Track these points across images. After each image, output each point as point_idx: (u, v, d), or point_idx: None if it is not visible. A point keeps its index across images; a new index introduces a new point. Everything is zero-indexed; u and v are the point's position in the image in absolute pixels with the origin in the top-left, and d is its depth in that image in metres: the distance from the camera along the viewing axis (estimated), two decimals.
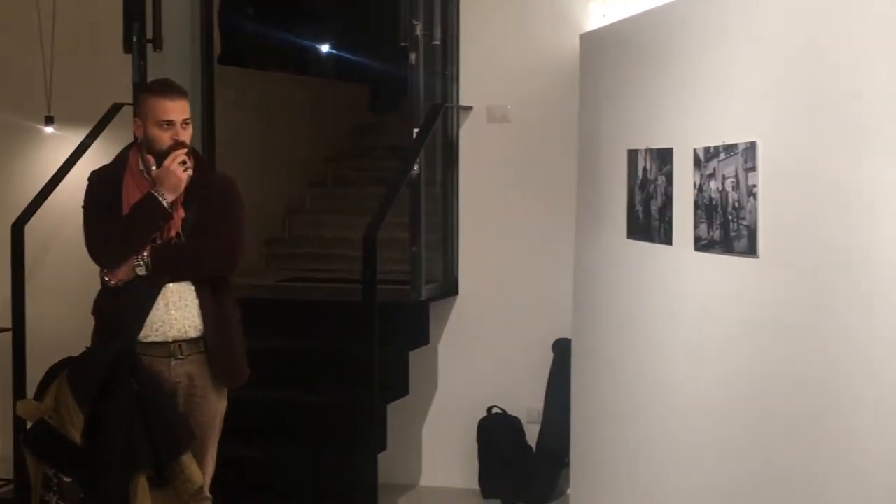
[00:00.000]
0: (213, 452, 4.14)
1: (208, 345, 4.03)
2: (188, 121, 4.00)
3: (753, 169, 3.35)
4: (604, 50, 4.86)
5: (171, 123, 3.94)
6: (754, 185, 3.34)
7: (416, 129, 5.60)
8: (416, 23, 5.67)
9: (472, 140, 5.91)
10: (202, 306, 4.01)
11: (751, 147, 3.36)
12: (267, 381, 5.66)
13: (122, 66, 5.91)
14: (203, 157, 4.17)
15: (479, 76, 5.87)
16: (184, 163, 3.93)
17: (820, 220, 3.02)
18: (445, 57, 5.83)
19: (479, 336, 5.94)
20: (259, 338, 5.81)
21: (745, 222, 3.40)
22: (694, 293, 3.83)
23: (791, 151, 3.18)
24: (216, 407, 4.11)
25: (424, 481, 6.06)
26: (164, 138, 3.94)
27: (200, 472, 3.94)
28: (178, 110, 3.96)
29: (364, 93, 9.97)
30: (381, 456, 5.18)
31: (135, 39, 5.84)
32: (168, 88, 4.01)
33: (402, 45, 5.73)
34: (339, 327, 5.63)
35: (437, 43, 5.75)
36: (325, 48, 11.03)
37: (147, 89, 4.17)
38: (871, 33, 2.80)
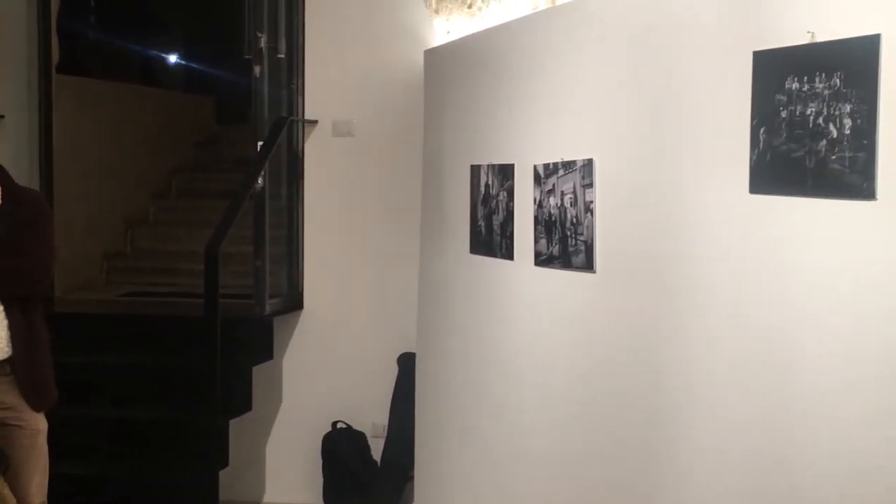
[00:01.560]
0: (42, 475, 3.97)
1: (16, 366, 3.86)
2: None
3: (591, 185, 3.41)
4: (447, 66, 4.90)
5: None
6: (591, 202, 3.41)
7: (260, 143, 5.55)
8: (260, 35, 5.62)
9: (318, 154, 5.89)
10: (11, 327, 3.84)
11: (588, 164, 3.43)
12: (106, 397, 5.56)
13: None
14: (7, 172, 4.01)
15: (325, 90, 5.85)
16: None
17: (652, 235, 3.10)
18: (290, 70, 5.80)
19: (324, 351, 5.91)
20: (98, 354, 5.71)
21: (582, 238, 3.46)
22: (535, 307, 3.89)
23: (626, 169, 3.26)
24: (34, 428, 3.94)
25: (268, 497, 5.99)
26: None
27: (13, 496, 3.79)
28: None
29: (211, 104, 9.84)
30: (223, 472, 5.11)
31: None
32: None
33: (247, 57, 5.68)
34: (181, 342, 5.53)
35: (281, 56, 5.72)
36: (171, 59, 10.86)
37: None
38: (699, 55, 2.90)
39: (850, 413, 2.33)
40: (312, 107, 5.87)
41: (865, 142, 2.27)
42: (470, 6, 4.74)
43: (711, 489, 2.83)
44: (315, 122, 5.86)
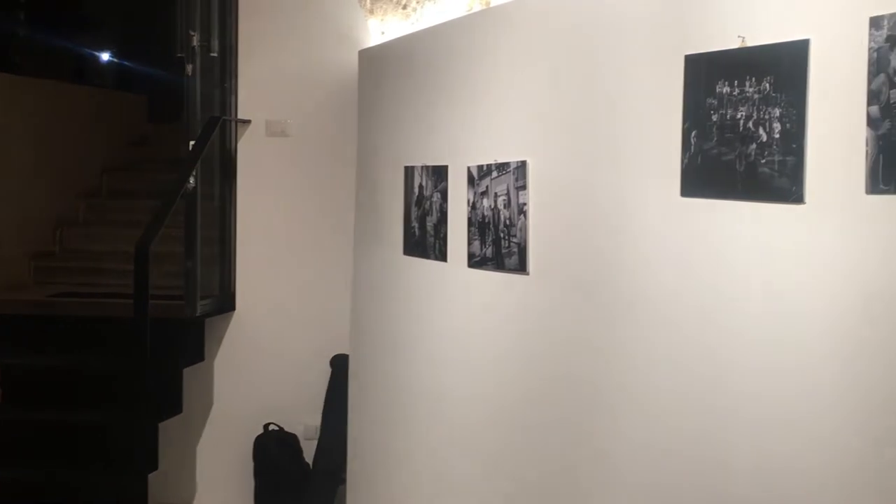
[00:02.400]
0: None
1: None
2: None
3: (524, 187, 3.42)
4: (382, 67, 4.88)
5: None
6: (525, 204, 3.41)
7: (192, 142, 5.49)
8: (192, 33, 5.57)
9: (251, 154, 5.84)
10: None
11: (521, 166, 3.43)
12: (32, 399, 5.47)
13: None
14: None
15: (258, 89, 5.81)
16: None
17: (585, 236, 3.11)
18: (224, 69, 5.75)
19: (256, 352, 5.87)
20: (25, 355, 5.63)
21: (515, 240, 3.47)
22: (468, 309, 3.88)
23: (559, 171, 3.27)
24: None
25: (199, 501, 5.94)
26: None
27: None
28: None
29: (143, 103, 9.73)
30: (152, 476, 5.05)
31: None
32: None
33: (179, 55, 5.62)
34: (110, 344, 5.47)
35: (214, 55, 5.67)
36: (103, 56, 10.73)
37: None
38: (631, 58, 2.91)
39: (778, 412, 2.35)
40: (246, 106, 5.82)
41: (794, 146, 2.29)
42: (405, 7, 4.73)
43: (644, 485, 2.84)
44: (248, 121, 5.82)
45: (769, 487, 2.38)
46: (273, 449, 5.74)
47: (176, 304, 5.51)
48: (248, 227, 5.87)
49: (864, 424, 2.14)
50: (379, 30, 5.04)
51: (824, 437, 2.23)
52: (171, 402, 5.47)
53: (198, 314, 5.53)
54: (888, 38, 2.07)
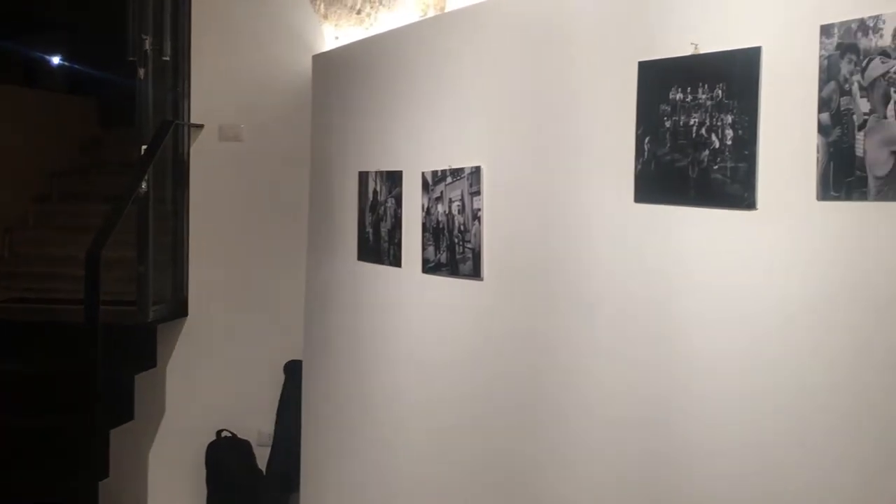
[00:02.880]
0: None
1: None
2: None
3: (478, 193, 3.42)
4: (336, 72, 4.87)
5: None
6: (479, 209, 3.42)
7: (144, 146, 5.45)
8: (144, 37, 5.52)
9: (204, 159, 5.80)
10: None
11: (476, 171, 3.43)
12: None
13: None
14: None
15: (212, 94, 5.77)
16: None
17: (540, 242, 3.12)
18: (176, 73, 5.71)
19: (209, 358, 5.83)
20: None
21: (470, 245, 3.47)
22: (422, 314, 3.88)
23: (513, 176, 3.27)
24: None
25: None
26: None
27: None
28: None
29: (95, 106, 9.64)
30: (103, 483, 5.00)
31: None
32: None
33: (131, 59, 5.57)
34: (61, 350, 5.40)
35: (167, 58, 5.62)
36: (54, 60, 10.62)
37: None
38: (586, 64, 2.92)
39: (725, 411, 2.37)
40: (199, 111, 5.78)
41: (746, 152, 2.31)
42: (359, 12, 4.73)
43: (598, 487, 2.85)
44: (201, 126, 5.78)
45: (714, 477, 2.40)
46: (226, 456, 5.70)
47: (128, 310, 5.46)
48: (200, 233, 5.83)
49: (807, 423, 2.16)
50: (333, 35, 5.02)
51: (768, 436, 2.25)
52: (122, 408, 5.41)
53: (150, 320, 5.48)
54: (838, 46, 2.09)
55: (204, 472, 5.71)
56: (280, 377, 5.66)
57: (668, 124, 2.55)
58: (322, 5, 5.11)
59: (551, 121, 3.08)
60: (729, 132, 2.36)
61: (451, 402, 3.65)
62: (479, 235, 3.42)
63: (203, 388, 5.83)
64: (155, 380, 5.78)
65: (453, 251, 3.58)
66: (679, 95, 2.51)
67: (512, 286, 3.28)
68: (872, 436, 2.03)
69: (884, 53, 2.00)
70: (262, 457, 5.71)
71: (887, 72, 1.99)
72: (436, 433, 3.77)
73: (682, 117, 2.50)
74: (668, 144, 2.54)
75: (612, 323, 2.79)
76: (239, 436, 5.75)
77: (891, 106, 1.98)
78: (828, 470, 2.12)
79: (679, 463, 2.53)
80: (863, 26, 2.04)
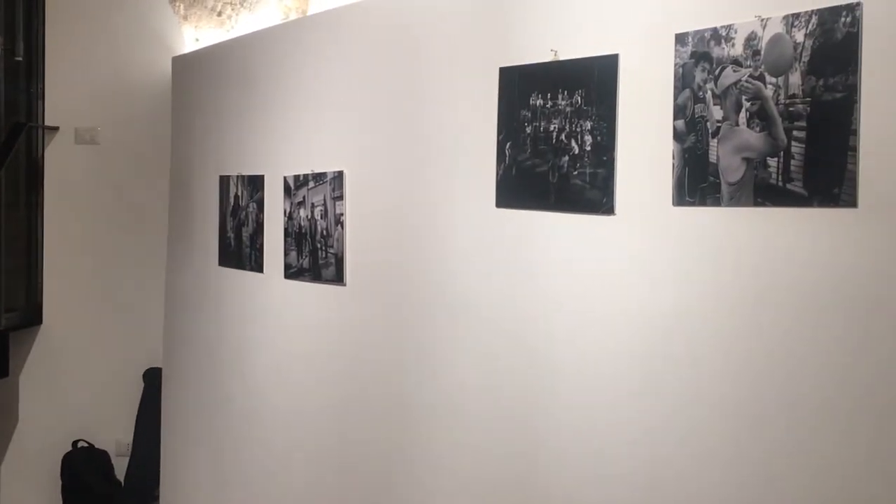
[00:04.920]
0: None
1: None
2: None
3: (341, 198, 3.40)
4: (196, 74, 4.80)
5: None
6: (342, 214, 3.40)
7: None
8: None
9: (59, 162, 5.66)
10: None
11: (338, 176, 3.41)
12: None
13: None
14: None
15: (67, 95, 5.63)
16: None
17: (403, 247, 3.11)
18: (30, 74, 5.56)
19: (65, 366, 5.68)
20: None
21: (332, 250, 3.45)
22: (284, 320, 3.84)
23: (376, 181, 3.26)
24: None
25: None
26: None
27: None
28: None
29: None
30: None
31: None
32: None
33: None
34: None
35: (19, 59, 5.47)
36: None
37: None
38: (448, 69, 2.93)
39: (591, 414, 2.40)
40: (54, 113, 5.64)
41: (605, 158, 2.34)
42: (219, 14, 4.66)
43: (463, 483, 2.86)
44: (56, 128, 5.63)
45: (579, 474, 2.43)
46: (82, 466, 5.56)
47: None
48: (56, 238, 5.68)
49: (669, 421, 2.20)
50: (193, 37, 4.95)
51: (635, 436, 2.29)
52: None
53: (1, 328, 5.33)
54: (693, 55, 2.14)
55: (60, 483, 5.57)
56: (139, 385, 5.55)
57: (528, 130, 2.57)
58: (182, 6, 5.03)
59: (414, 126, 3.08)
60: (588, 138, 2.39)
61: (315, 406, 3.63)
62: (341, 240, 3.40)
63: (58, 397, 5.67)
64: (7, 389, 5.61)
65: (316, 256, 3.56)
66: (539, 101, 2.54)
67: (375, 291, 3.28)
68: (742, 430, 2.08)
69: (735, 62, 2.05)
70: (120, 467, 5.59)
71: (739, 80, 2.04)
72: (299, 438, 3.74)
73: (543, 123, 2.52)
74: (529, 150, 2.57)
75: (476, 326, 2.80)
76: (96, 446, 5.61)
77: (742, 113, 2.04)
78: (699, 468, 2.17)
79: (542, 459, 2.55)
80: (716, 35, 2.09)
